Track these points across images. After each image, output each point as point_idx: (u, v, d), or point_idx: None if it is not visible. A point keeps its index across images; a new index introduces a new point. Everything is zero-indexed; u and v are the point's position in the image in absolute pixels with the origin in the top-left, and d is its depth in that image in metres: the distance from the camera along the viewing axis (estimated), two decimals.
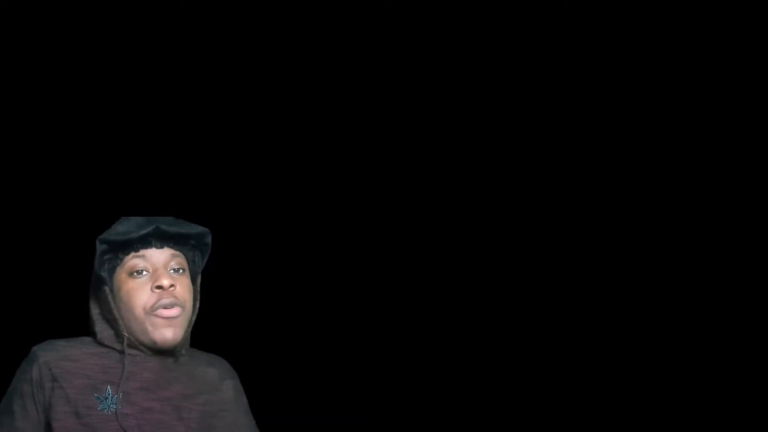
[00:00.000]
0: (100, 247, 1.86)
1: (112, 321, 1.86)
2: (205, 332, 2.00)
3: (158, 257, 1.86)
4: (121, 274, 1.86)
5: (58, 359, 1.82)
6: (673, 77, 3.29)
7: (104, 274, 1.86)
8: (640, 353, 3.31)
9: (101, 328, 1.88)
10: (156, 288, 1.84)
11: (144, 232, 1.84)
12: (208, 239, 1.92)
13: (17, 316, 3.11)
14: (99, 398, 1.79)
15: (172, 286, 1.84)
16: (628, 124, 3.33)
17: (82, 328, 1.95)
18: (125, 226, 1.87)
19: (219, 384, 1.90)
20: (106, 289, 1.86)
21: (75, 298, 2.15)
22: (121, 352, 1.85)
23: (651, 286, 3.33)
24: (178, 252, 1.88)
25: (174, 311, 1.83)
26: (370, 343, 3.32)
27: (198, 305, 1.93)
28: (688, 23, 3.23)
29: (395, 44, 3.32)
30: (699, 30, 3.23)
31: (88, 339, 1.90)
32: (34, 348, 1.86)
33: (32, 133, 3.21)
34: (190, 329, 1.91)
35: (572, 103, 3.34)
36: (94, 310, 1.90)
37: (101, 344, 1.87)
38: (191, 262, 1.92)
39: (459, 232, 3.40)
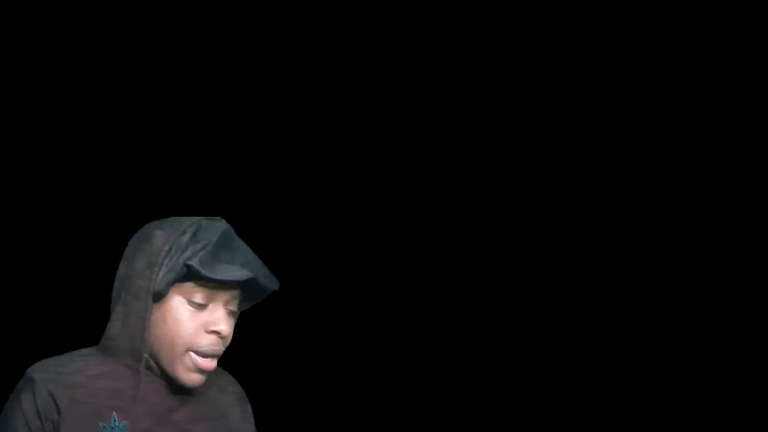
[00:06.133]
0: (181, 271, 1.59)
1: (136, 335, 1.63)
2: None
3: (223, 296, 1.63)
4: (174, 294, 1.62)
5: (61, 387, 1.61)
6: (673, 77, 3.29)
7: (162, 291, 1.61)
8: (640, 353, 3.31)
9: (121, 335, 1.64)
10: (210, 331, 1.63)
11: (242, 280, 1.61)
12: (269, 293, 1.72)
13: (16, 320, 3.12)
14: (105, 428, 1.60)
15: (227, 335, 1.65)
16: (628, 124, 3.33)
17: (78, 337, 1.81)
18: (216, 258, 1.61)
19: (229, 411, 1.73)
20: (151, 302, 1.62)
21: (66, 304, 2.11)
22: (134, 369, 1.64)
23: (651, 286, 3.34)
24: (238, 294, 1.66)
25: (213, 363, 1.64)
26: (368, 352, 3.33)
27: None
28: (688, 23, 3.23)
29: (394, 44, 3.33)
30: (699, 30, 3.24)
31: (87, 351, 1.69)
32: (32, 373, 1.63)
33: (40, 136, 3.22)
34: None
35: (572, 104, 3.34)
36: (119, 314, 1.65)
37: (107, 353, 1.66)
38: (242, 305, 1.71)
39: (456, 237, 3.41)
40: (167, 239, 1.61)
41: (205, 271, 1.58)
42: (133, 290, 1.63)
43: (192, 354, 1.62)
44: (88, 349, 1.69)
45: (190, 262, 1.58)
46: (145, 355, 1.62)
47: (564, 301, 3.35)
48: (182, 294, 1.62)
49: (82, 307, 2.51)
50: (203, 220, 1.64)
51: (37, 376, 1.62)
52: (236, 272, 1.60)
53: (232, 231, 1.65)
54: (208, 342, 1.62)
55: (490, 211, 3.38)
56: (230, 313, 1.65)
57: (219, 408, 1.71)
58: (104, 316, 1.69)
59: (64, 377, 1.62)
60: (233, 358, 1.89)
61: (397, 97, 3.36)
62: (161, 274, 1.60)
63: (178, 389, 1.65)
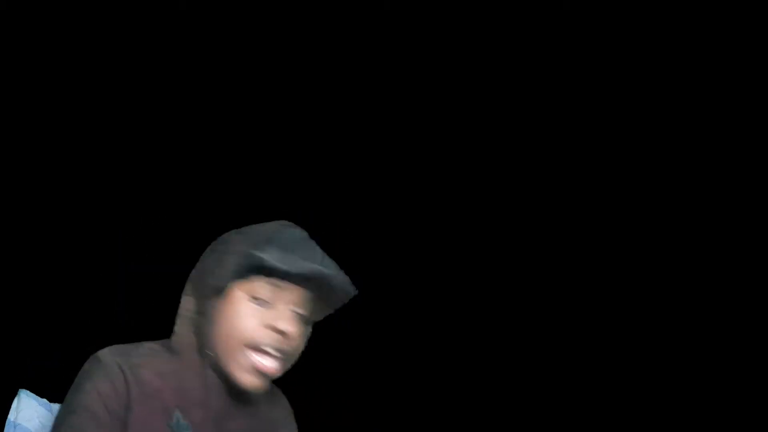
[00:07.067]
0: (247, 261, 1.52)
1: (201, 332, 1.57)
2: None
3: (289, 295, 1.54)
4: (237, 290, 1.54)
5: (133, 379, 1.53)
6: (673, 77, 3.29)
7: (222, 284, 1.55)
8: (640, 353, 3.32)
9: (185, 331, 1.59)
10: (272, 329, 1.53)
11: (305, 272, 1.52)
12: (346, 301, 1.61)
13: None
14: (169, 424, 1.52)
15: (292, 334, 1.53)
16: (628, 125, 3.34)
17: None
18: (285, 252, 1.52)
19: (278, 429, 1.65)
20: (215, 298, 1.56)
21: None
22: (199, 371, 1.58)
23: (651, 287, 3.34)
24: (311, 297, 1.56)
25: (271, 366, 1.53)
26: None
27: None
28: (688, 23, 3.24)
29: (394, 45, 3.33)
30: (699, 30, 3.24)
31: (155, 346, 1.60)
32: (105, 358, 1.55)
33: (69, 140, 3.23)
34: None
35: (572, 104, 3.35)
36: (186, 310, 1.60)
37: (173, 351, 1.59)
38: (315, 313, 1.60)
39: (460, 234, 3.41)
40: (243, 241, 1.55)
41: (269, 259, 1.50)
42: (200, 288, 1.57)
43: (249, 352, 1.53)
44: (153, 343, 1.61)
45: (254, 252, 1.50)
46: (210, 353, 1.55)
47: (564, 302, 3.36)
48: (245, 290, 1.54)
49: (83, 307, 2.50)
50: (281, 227, 1.57)
51: (111, 361, 1.54)
52: (304, 266, 1.51)
53: (309, 237, 1.59)
54: (269, 338, 1.52)
55: (490, 212, 3.38)
56: (298, 316, 1.55)
57: (270, 424, 1.63)
58: (105, 318, 1.71)
59: (136, 369, 1.54)
60: None
61: (396, 97, 3.36)
62: (227, 268, 1.53)
63: (237, 396, 1.57)
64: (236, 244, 1.55)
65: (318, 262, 1.53)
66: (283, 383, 1.67)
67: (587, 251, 3.36)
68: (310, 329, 1.60)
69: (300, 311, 1.55)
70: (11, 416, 1.92)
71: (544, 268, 3.38)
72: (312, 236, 1.59)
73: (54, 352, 1.86)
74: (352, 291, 1.57)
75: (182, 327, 1.59)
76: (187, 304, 1.60)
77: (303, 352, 1.59)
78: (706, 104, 3.29)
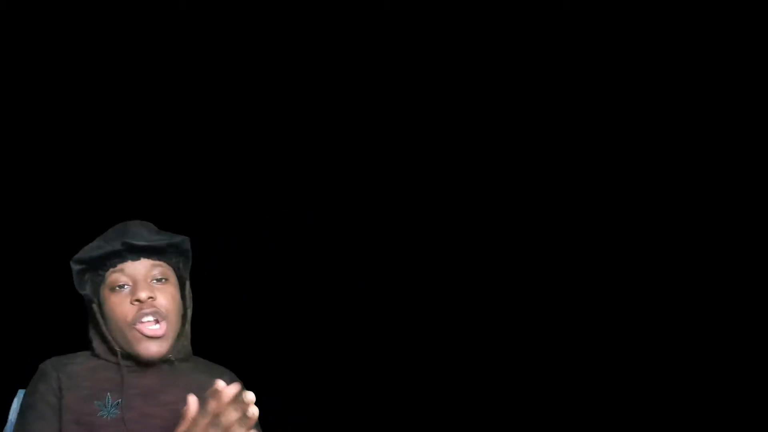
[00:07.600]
0: (74, 267, 1.87)
1: (102, 336, 1.86)
2: (202, 336, 1.99)
3: (137, 269, 1.86)
4: (104, 290, 1.86)
5: (65, 375, 1.82)
6: (673, 77, 3.29)
7: (87, 293, 1.88)
8: (640, 353, 3.32)
9: (96, 343, 1.88)
10: (135, 301, 1.83)
11: (110, 249, 1.85)
12: (187, 246, 1.91)
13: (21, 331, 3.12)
14: (99, 405, 1.79)
15: (150, 297, 1.83)
16: (628, 125, 3.34)
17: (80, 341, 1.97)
18: (96, 242, 1.88)
19: None
20: (94, 306, 1.87)
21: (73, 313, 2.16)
22: (117, 363, 1.85)
23: (651, 287, 3.34)
24: (158, 261, 1.87)
25: (158, 330, 1.83)
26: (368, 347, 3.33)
27: (191, 311, 1.91)
28: (688, 23, 3.24)
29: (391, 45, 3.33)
30: (699, 30, 3.24)
31: (87, 353, 1.90)
32: (44, 366, 1.85)
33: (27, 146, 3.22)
34: (186, 337, 1.90)
35: (572, 105, 3.35)
36: (89, 327, 1.90)
37: (98, 357, 1.87)
38: (176, 269, 1.91)
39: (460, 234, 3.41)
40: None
41: (79, 254, 1.85)
42: (87, 308, 1.89)
43: (134, 329, 1.82)
44: (83, 352, 1.91)
45: (73, 258, 1.86)
46: (117, 348, 1.85)
47: (564, 302, 3.36)
48: (108, 287, 1.86)
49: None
50: (114, 227, 1.90)
51: (48, 367, 1.84)
52: (105, 244, 1.85)
53: (129, 223, 1.89)
54: (139, 310, 1.82)
55: (490, 213, 3.38)
56: (154, 281, 1.86)
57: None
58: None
59: (68, 367, 1.84)
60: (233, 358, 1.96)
61: (396, 98, 3.36)
62: (78, 282, 1.87)
63: (166, 373, 1.85)
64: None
65: (120, 237, 1.86)
66: (283, 380, 1.71)
67: (585, 252, 3.36)
68: (173, 286, 1.88)
69: (154, 275, 1.87)
70: (11, 416, 1.93)
71: (537, 267, 3.38)
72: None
73: (54, 352, 1.90)
74: (177, 238, 1.87)
75: (94, 340, 1.88)
76: (90, 323, 1.89)
77: (299, 348, 1.69)
78: (705, 104, 3.29)
